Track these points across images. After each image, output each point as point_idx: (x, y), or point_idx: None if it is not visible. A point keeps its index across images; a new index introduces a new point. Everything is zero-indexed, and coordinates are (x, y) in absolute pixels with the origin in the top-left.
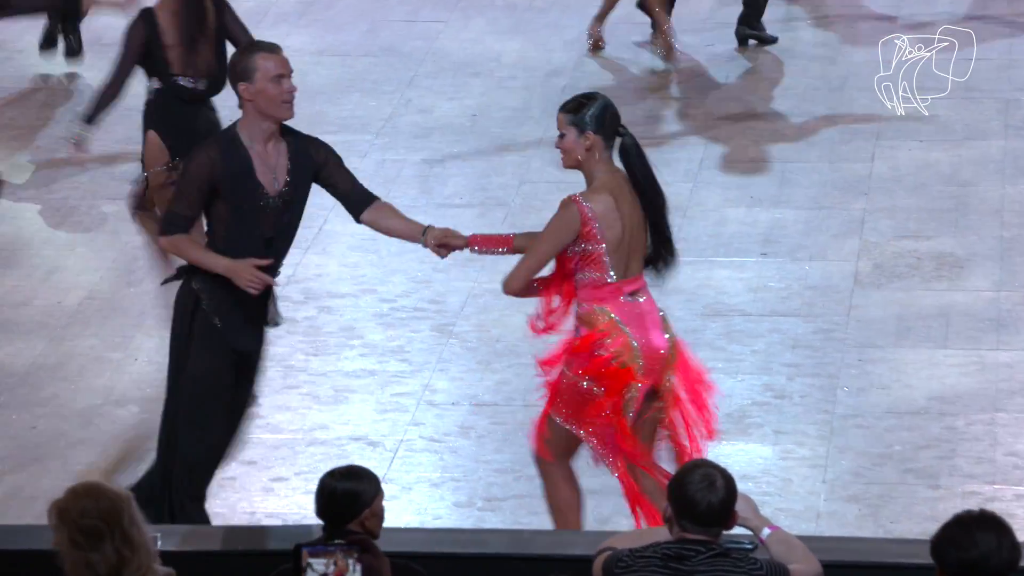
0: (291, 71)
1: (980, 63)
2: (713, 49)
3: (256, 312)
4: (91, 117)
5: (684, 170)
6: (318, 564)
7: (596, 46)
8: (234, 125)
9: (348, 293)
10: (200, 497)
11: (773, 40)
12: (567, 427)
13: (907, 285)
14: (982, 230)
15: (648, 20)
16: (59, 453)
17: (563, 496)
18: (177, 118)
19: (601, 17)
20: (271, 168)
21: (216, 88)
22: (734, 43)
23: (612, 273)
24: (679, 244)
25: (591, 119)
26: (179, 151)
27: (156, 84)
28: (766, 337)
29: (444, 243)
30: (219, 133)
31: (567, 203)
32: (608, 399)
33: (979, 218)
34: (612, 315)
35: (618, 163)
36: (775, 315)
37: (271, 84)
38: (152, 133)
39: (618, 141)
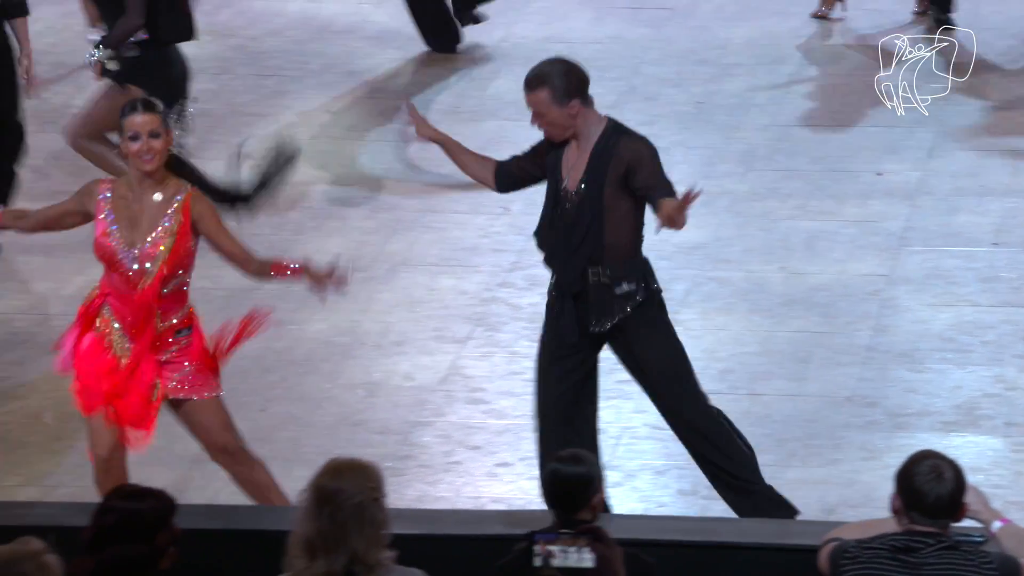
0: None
1: None
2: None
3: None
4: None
5: (913, 158)
6: (553, 552)
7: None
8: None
9: None
10: None
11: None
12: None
13: None
14: None
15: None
16: (288, 437)
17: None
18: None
19: None
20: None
21: None
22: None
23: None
24: (909, 233)
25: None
26: None
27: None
28: (997, 328)
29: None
30: None
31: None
32: None
33: None
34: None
35: None
36: (1007, 306)
37: None
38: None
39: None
